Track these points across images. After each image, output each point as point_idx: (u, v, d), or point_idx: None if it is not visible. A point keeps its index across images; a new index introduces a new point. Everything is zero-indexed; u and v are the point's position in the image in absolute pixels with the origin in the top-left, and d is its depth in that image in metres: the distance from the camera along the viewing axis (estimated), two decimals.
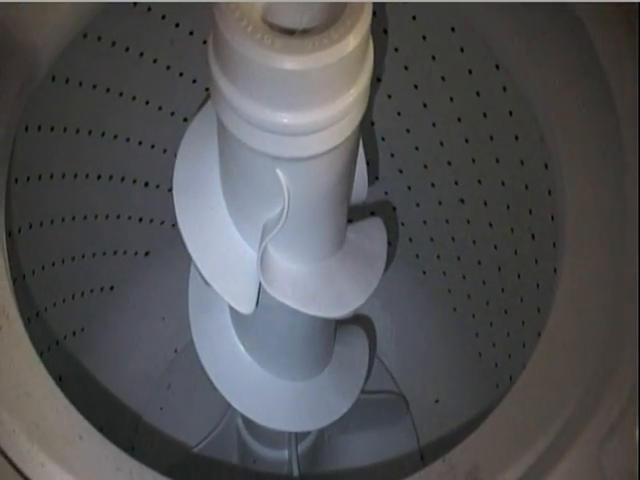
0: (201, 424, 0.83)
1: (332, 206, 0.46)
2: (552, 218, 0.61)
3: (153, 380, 0.90)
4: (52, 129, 0.67)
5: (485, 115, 0.70)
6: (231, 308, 0.52)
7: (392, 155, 0.84)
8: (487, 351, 0.84)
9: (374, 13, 0.37)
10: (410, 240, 0.90)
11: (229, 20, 0.35)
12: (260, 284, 0.48)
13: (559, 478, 0.46)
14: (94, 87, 0.70)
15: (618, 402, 0.48)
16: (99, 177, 0.78)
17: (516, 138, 0.66)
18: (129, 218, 0.85)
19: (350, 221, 0.52)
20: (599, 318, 0.51)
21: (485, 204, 0.76)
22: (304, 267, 0.49)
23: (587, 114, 0.56)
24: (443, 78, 0.72)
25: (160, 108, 0.79)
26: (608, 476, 0.46)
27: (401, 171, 0.85)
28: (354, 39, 0.36)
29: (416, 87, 0.75)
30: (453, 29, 0.67)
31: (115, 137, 0.76)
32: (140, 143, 0.80)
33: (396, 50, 0.74)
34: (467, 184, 0.77)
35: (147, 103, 0.77)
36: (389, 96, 0.78)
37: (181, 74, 0.77)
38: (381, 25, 0.72)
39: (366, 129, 0.79)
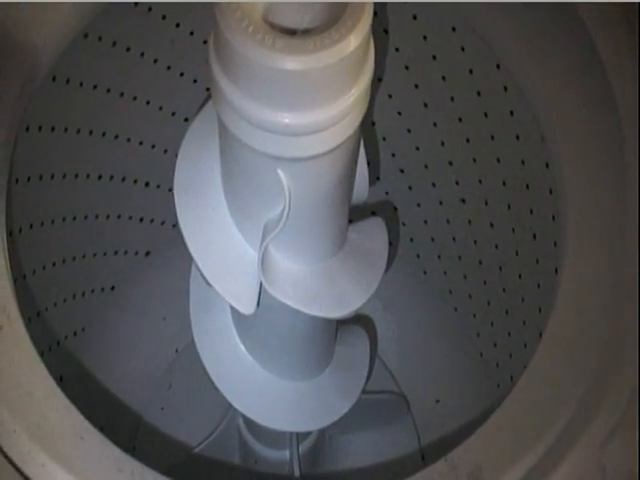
0: (202, 424, 0.83)
1: (333, 206, 0.46)
2: (553, 218, 0.61)
3: (154, 380, 0.89)
4: (53, 129, 0.67)
5: (486, 115, 0.69)
6: (232, 308, 0.52)
7: (393, 155, 0.84)
8: (488, 351, 0.84)
9: (375, 13, 0.37)
10: (411, 240, 0.90)
11: (230, 20, 0.35)
12: (261, 284, 0.48)
13: (561, 478, 0.46)
14: (95, 87, 0.70)
15: (619, 402, 0.48)
16: (100, 177, 0.78)
17: (517, 138, 0.66)
18: (130, 218, 0.85)
19: (351, 221, 0.52)
20: (600, 318, 0.51)
21: (486, 204, 0.76)
22: (305, 267, 0.49)
23: (588, 114, 0.56)
24: (444, 78, 0.72)
25: (161, 108, 0.79)
26: (609, 477, 0.46)
27: (402, 171, 0.85)
28: (355, 39, 0.36)
29: (417, 87, 0.75)
30: (454, 29, 0.67)
31: (116, 137, 0.76)
32: (141, 143, 0.80)
33: (397, 50, 0.74)
34: (468, 184, 0.77)
35: (148, 103, 0.77)
36: (390, 96, 0.78)
37: (182, 74, 0.77)
38: (382, 25, 0.72)
39: (367, 129, 0.79)
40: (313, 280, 0.49)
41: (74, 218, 0.76)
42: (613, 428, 0.47)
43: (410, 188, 0.85)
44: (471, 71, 0.68)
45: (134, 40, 0.70)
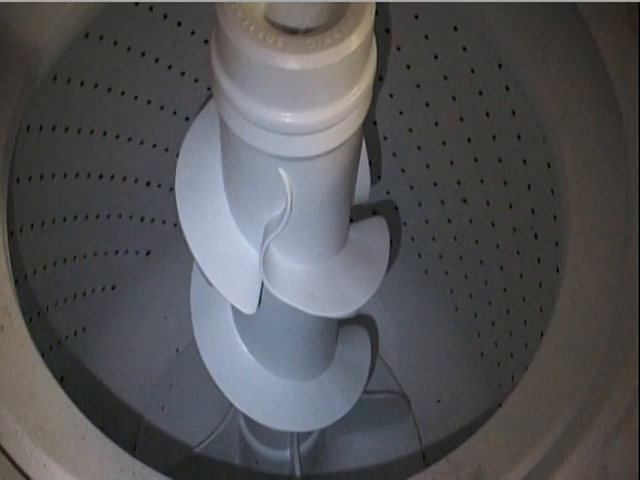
0: (203, 424, 0.83)
1: (335, 206, 0.46)
2: (554, 217, 0.61)
3: (155, 380, 0.90)
4: (54, 129, 0.67)
5: (487, 114, 0.69)
6: (233, 308, 0.52)
7: (394, 154, 0.84)
8: (489, 351, 0.84)
9: (376, 12, 0.37)
10: (412, 239, 0.90)
11: (231, 19, 0.35)
12: (262, 284, 0.48)
13: (563, 478, 0.46)
14: (96, 86, 0.70)
15: (621, 401, 0.48)
16: (100, 176, 0.78)
17: (518, 137, 0.66)
18: (130, 218, 0.85)
19: (352, 220, 0.52)
20: (601, 318, 0.51)
21: (487, 203, 0.75)
22: (307, 267, 0.49)
23: (590, 113, 0.56)
24: (445, 77, 0.72)
25: (162, 107, 0.78)
26: (611, 476, 0.46)
27: (403, 170, 0.85)
28: (357, 39, 0.36)
29: (418, 86, 0.75)
30: (455, 28, 0.67)
31: (117, 136, 0.76)
32: (142, 142, 0.80)
33: (398, 49, 0.74)
34: (469, 183, 0.77)
35: (149, 102, 0.77)
36: (391, 95, 0.78)
37: (183, 73, 0.77)
38: (383, 24, 0.71)
39: (368, 128, 0.79)
40: (314, 280, 0.49)
41: (75, 218, 0.76)
42: (616, 427, 0.47)
43: (411, 187, 0.85)
44: (473, 71, 0.68)
45: (135, 39, 0.70)
